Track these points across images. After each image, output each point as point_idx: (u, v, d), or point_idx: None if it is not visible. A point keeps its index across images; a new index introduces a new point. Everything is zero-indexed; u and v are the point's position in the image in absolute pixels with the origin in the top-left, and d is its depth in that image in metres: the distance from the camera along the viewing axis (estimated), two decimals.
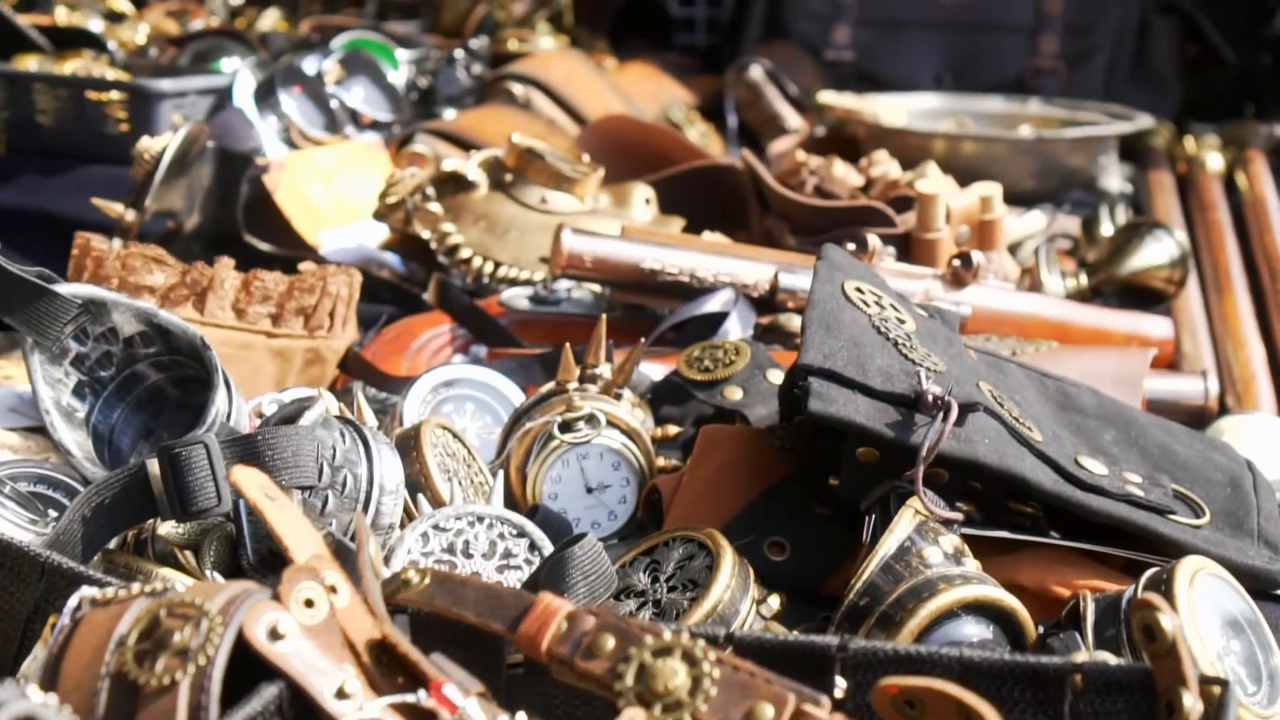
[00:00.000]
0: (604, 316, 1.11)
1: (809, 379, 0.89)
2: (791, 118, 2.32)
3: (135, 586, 0.67)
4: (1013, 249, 1.80)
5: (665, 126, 1.77)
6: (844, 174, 1.65)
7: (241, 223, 1.45)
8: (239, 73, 1.66)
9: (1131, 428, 1.04)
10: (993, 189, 1.47)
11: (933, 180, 1.42)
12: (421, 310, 1.37)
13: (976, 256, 1.34)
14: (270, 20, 2.40)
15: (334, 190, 1.60)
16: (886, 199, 1.55)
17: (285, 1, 2.49)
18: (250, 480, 0.72)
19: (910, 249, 1.43)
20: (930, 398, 0.88)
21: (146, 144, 1.34)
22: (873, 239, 1.31)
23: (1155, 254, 1.53)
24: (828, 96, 2.12)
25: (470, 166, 1.47)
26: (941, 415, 0.87)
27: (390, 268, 1.55)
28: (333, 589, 0.66)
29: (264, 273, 1.16)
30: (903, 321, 0.99)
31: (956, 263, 1.34)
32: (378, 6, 2.49)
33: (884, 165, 1.62)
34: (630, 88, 2.21)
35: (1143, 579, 0.80)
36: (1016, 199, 1.97)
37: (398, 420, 1.13)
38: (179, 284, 1.13)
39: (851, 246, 1.32)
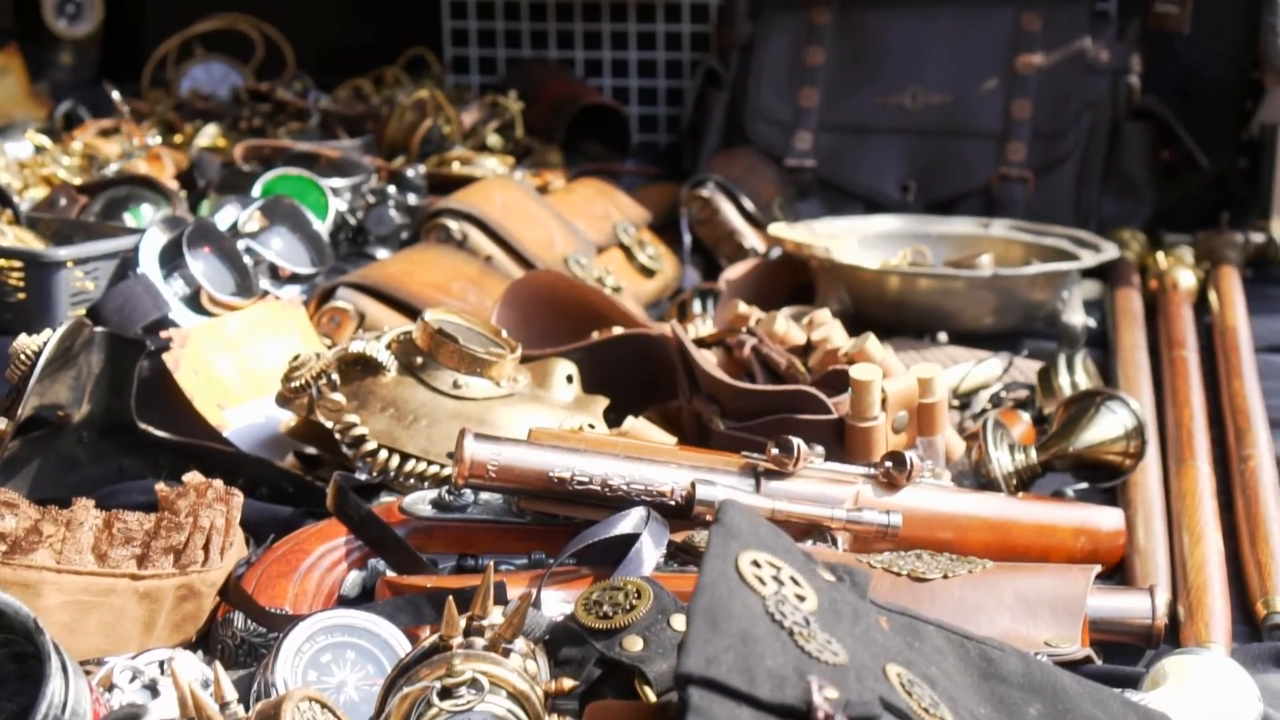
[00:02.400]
0: (491, 564, 1.03)
1: (688, 689, 0.80)
2: (748, 235, 2.23)
3: None
4: (967, 398, 1.72)
5: (596, 287, 1.69)
6: (786, 331, 1.57)
7: (134, 411, 1.37)
8: (145, 234, 1.58)
9: (1060, 699, 0.95)
10: (931, 370, 1.38)
11: (867, 366, 1.34)
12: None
13: (910, 457, 1.25)
14: (209, 136, 2.32)
15: (243, 359, 1.51)
16: (825, 370, 1.47)
17: (225, 115, 2.41)
18: None
19: (844, 436, 1.35)
20: (821, 715, 0.79)
21: (24, 343, 1.25)
22: (797, 443, 1.23)
23: (1110, 427, 1.44)
24: (779, 229, 2.04)
25: (379, 348, 1.39)
26: None
27: (301, 448, 1.47)
28: None
29: (126, 513, 1.07)
30: (803, 599, 0.90)
31: (889, 464, 1.26)
32: (321, 118, 2.41)
33: (826, 328, 1.54)
34: (577, 210, 2.13)
35: None
36: (975, 336, 1.89)
37: (270, 673, 1.05)
38: (33, 529, 1.04)
39: (775, 451, 1.24)
